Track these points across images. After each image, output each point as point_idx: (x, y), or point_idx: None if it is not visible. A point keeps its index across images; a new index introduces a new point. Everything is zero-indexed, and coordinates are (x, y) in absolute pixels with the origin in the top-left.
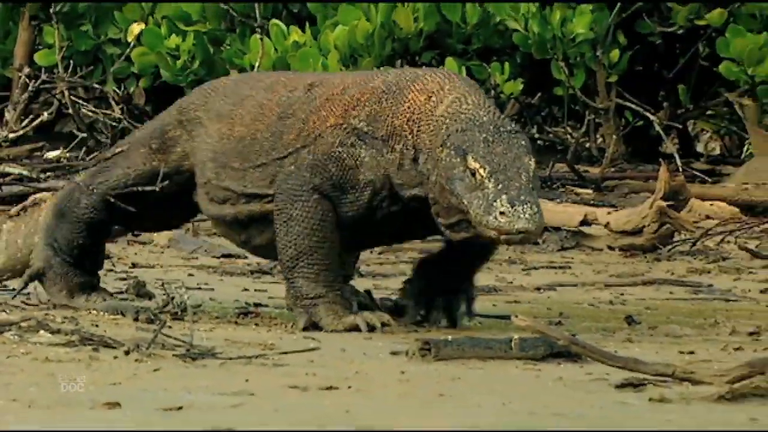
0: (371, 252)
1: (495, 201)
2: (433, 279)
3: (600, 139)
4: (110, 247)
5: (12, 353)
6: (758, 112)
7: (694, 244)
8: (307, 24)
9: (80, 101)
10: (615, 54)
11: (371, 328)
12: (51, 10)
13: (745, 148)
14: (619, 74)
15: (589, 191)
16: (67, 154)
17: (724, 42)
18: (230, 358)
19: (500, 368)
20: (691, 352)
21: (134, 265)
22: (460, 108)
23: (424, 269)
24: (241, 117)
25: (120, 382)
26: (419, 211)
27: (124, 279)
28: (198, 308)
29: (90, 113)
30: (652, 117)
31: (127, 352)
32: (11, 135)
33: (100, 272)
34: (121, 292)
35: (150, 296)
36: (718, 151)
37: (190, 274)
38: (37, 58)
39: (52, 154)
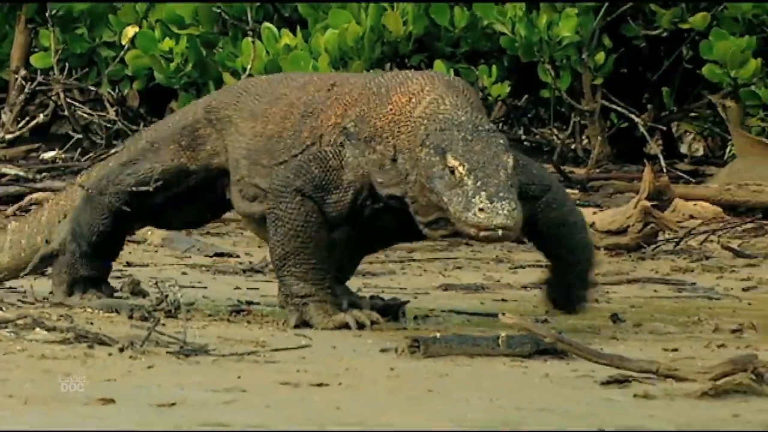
0: None
1: (474, 198)
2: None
3: (585, 141)
4: None
5: (8, 350)
6: (741, 114)
7: (677, 243)
8: (299, 27)
9: (75, 103)
10: (600, 57)
11: (361, 326)
12: (47, 14)
13: (727, 149)
14: (604, 77)
15: (575, 191)
16: (63, 155)
17: (708, 45)
18: (223, 355)
19: (488, 365)
20: (675, 350)
21: (128, 264)
22: (438, 108)
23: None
24: (273, 115)
25: (115, 378)
26: (403, 211)
27: (119, 277)
28: (191, 306)
29: (85, 115)
30: (636, 119)
31: (121, 350)
32: (8, 136)
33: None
34: (116, 291)
35: (144, 294)
36: (701, 152)
37: (184, 273)
38: (33, 60)
39: (47, 155)
